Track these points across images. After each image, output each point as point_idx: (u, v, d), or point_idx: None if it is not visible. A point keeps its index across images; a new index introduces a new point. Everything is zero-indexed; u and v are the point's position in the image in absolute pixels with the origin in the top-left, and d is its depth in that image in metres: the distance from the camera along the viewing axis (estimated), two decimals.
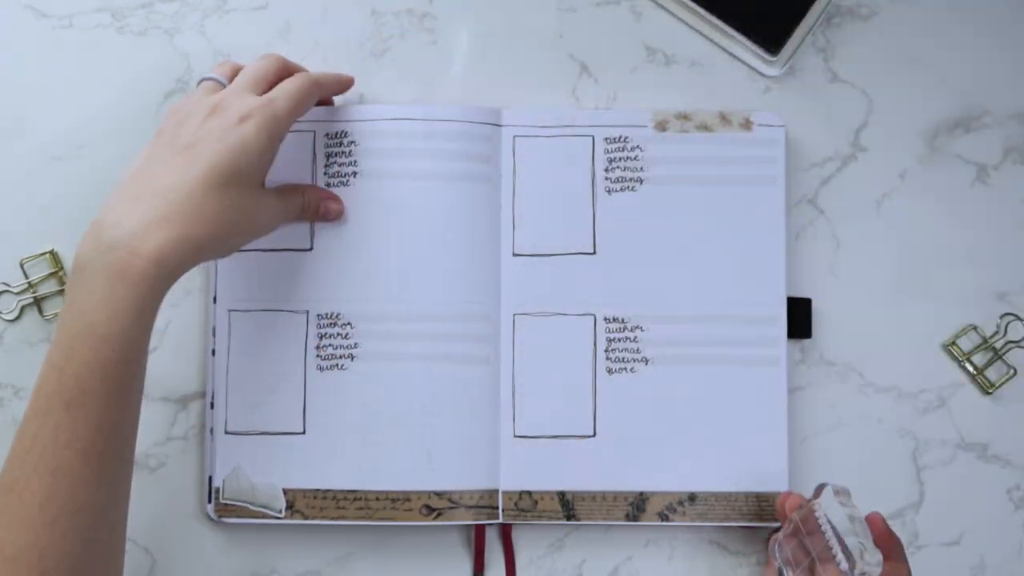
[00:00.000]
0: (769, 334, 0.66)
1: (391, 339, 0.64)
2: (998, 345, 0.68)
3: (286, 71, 0.62)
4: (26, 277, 0.66)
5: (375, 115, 0.65)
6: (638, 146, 0.66)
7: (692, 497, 0.65)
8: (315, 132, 0.65)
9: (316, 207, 0.64)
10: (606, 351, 0.65)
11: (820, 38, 0.69)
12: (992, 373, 0.68)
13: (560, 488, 0.64)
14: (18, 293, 0.66)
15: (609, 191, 0.66)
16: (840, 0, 0.70)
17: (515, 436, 0.64)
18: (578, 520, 0.64)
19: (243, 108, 0.57)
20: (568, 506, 0.64)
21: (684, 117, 0.66)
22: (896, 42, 0.70)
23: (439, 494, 0.63)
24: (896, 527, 0.66)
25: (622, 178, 0.66)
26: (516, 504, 0.64)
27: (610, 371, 0.65)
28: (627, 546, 0.66)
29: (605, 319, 0.66)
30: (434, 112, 0.65)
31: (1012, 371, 0.68)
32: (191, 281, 0.67)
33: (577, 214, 0.66)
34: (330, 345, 0.64)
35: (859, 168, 0.69)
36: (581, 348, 0.65)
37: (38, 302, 0.66)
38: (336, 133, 0.65)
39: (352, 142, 0.65)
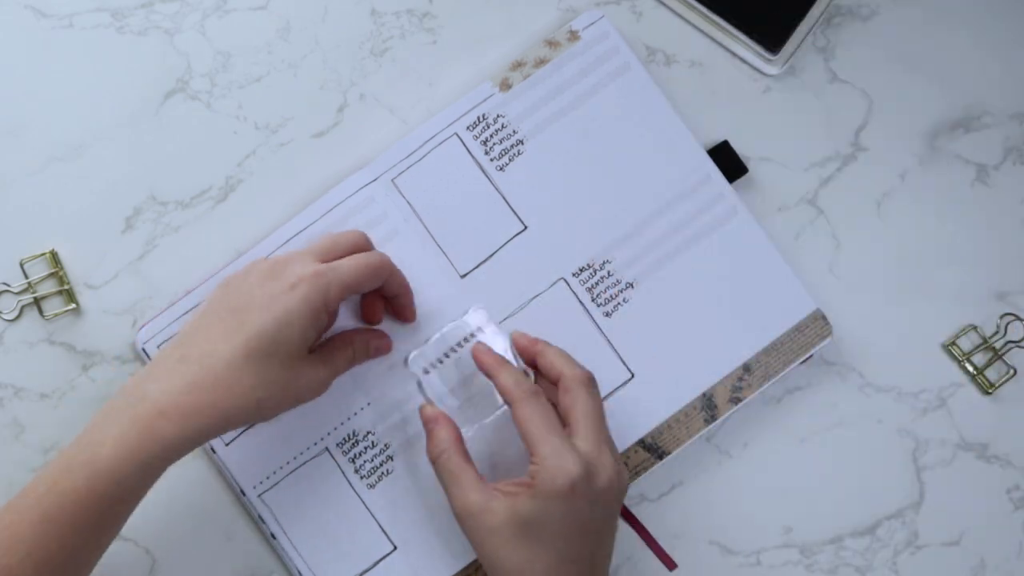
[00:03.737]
0: (712, 191, 0.66)
1: (416, 418, 0.63)
2: (998, 345, 0.68)
3: (359, 248, 0.60)
4: (26, 277, 0.66)
5: (272, 246, 0.64)
6: (498, 115, 0.66)
7: (747, 367, 0.65)
8: None
9: (366, 352, 0.62)
10: (593, 300, 0.65)
11: (820, 38, 0.69)
12: (992, 373, 0.68)
13: (637, 437, 0.64)
14: (18, 293, 0.66)
15: (501, 168, 0.66)
16: (840, 0, 0.70)
17: None
18: (669, 452, 0.64)
19: (295, 275, 0.55)
20: (654, 448, 0.64)
21: (519, 65, 0.66)
22: (896, 42, 0.70)
23: None
24: (896, 527, 0.66)
25: (504, 150, 0.66)
26: None
27: (608, 314, 0.65)
28: (627, 546, 0.66)
29: (573, 275, 0.66)
30: (317, 209, 0.65)
31: (1012, 371, 0.68)
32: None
33: (489, 205, 0.66)
34: (366, 461, 0.64)
35: (859, 168, 0.69)
36: (571, 312, 0.65)
37: (38, 302, 0.66)
38: None
39: None
